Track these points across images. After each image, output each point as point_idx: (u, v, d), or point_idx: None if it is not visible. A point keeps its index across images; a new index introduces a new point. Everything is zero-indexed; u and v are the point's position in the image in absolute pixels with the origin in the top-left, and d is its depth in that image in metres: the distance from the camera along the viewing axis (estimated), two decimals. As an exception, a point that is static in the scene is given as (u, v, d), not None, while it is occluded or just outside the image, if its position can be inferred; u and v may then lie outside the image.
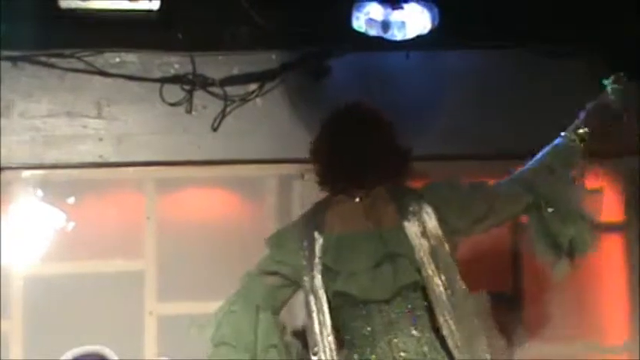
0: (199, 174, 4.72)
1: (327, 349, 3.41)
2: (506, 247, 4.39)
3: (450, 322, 3.30)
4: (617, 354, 4.70)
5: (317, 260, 3.42)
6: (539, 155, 3.56)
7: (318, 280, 3.40)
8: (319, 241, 3.43)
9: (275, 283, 3.50)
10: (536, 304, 4.63)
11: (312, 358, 3.45)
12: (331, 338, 3.40)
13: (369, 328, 3.34)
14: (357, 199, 3.45)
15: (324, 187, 3.53)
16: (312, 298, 3.40)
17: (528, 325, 4.60)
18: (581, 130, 3.51)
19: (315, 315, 3.42)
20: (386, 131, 3.54)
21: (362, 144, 3.48)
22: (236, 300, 3.53)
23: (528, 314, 4.61)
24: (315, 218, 3.59)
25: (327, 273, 3.39)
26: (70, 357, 4.40)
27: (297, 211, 4.39)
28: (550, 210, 3.48)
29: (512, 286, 4.52)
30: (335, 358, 3.39)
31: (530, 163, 3.57)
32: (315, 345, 3.45)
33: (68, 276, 4.59)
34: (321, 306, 3.39)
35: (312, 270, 3.40)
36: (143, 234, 4.67)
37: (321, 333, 3.45)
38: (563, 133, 3.52)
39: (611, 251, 4.74)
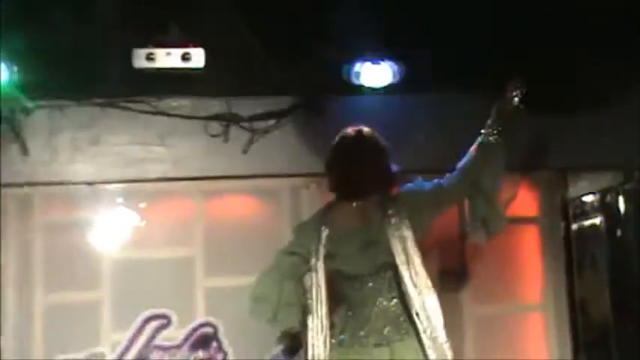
0: (233, 185, 5.70)
1: (320, 312, 4.12)
2: (455, 234, 5.27)
3: (412, 292, 4.03)
4: (533, 311, 5.79)
5: (321, 247, 4.15)
6: (468, 153, 4.24)
7: (320, 262, 4.13)
8: (324, 232, 4.16)
9: (295, 261, 4.22)
10: (476, 276, 5.61)
11: (308, 321, 4.15)
12: (325, 305, 4.12)
13: (360, 294, 4.08)
14: (354, 204, 4.20)
15: (333, 193, 4.31)
16: (313, 275, 4.14)
17: (471, 291, 5.65)
18: (493, 129, 4.20)
19: (314, 288, 4.15)
20: (380, 153, 4.25)
21: (361, 163, 4.22)
22: (268, 271, 4.23)
23: (472, 284, 5.62)
24: (324, 216, 4.28)
25: (329, 256, 4.12)
26: (142, 317, 5.45)
27: (304, 211, 5.44)
28: (477, 198, 4.24)
29: (459, 263, 5.51)
30: (325, 318, 4.11)
31: (463, 160, 4.24)
32: (310, 310, 4.15)
33: (142, 259, 5.58)
34: (318, 280, 4.14)
35: (317, 253, 4.14)
36: (193, 229, 5.64)
37: (316, 301, 4.15)
38: (482, 131, 4.21)
39: (529, 238, 5.87)
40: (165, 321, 5.64)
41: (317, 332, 4.17)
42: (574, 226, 6.11)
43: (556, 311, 5.83)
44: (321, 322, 4.15)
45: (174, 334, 5.62)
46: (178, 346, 5.62)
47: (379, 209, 4.20)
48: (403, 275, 4.03)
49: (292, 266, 4.25)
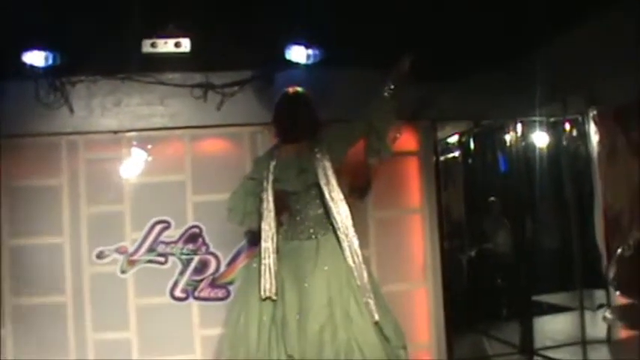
0: (210, 132, 6.63)
1: (269, 217, 4.82)
2: (362, 161, 5.19)
3: (330, 203, 4.72)
4: (415, 213, 6.78)
5: (270, 174, 4.84)
6: (372, 103, 4.78)
7: (270, 184, 4.83)
8: (272, 164, 4.86)
9: (254, 183, 4.96)
10: (376, 191, 6.34)
11: (262, 223, 4.84)
12: (272, 213, 4.82)
13: (296, 204, 4.85)
14: (291, 145, 4.89)
15: (277, 138, 4.97)
16: (264, 193, 4.85)
17: (372, 201, 6.54)
18: (389, 86, 4.81)
19: (264, 202, 4.84)
20: (308, 107, 4.92)
21: (295, 115, 4.89)
22: (237, 190, 5.04)
23: (373, 196, 6.43)
24: (272, 153, 4.92)
25: (275, 180, 4.81)
26: (151, 222, 6.40)
27: (260, 149, 6.28)
28: (372, 135, 4.83)
29: (364, 182, 5.81)
30: (272, 221, 4.79)
31: (368, 107, 4.79)
32: (263, 216, 4.85)
33: (150, 182, 6.57)
34: (268, 196, 4.82)
35: (267, 178, 4.83)
36: (184, 162, 6.58)
37: (267, 210, 4.84)
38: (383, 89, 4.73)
39: (411, 166, 6.88)
40: (167, 224, 6.55)
41: (267, 230, 4.83)
42: (441, 158, 7.33)
43: (430, 213, 6.85)
44: (269, 224, 4.82)
45: (173, 233, 6.55)
46: (175, 242, 6.56)
47: (308, 147, 4.84)
48: (324, 191, 4.76)
49: (252, 187, 4.99)
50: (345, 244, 4.69)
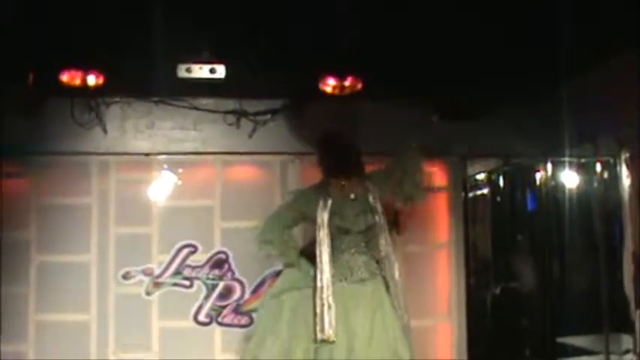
0: (241, 159, 6.69)
1: (325, 257, 4.70)
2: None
3: (383, 247, 4.72)
4: (442, 248, 6.76)
5: (327, 209, 4.75)
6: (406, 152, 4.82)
7: (326, 220, 4.74)
8: (329, 201, 4.77)
9: (294, 215, 4.87)
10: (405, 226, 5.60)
11: (318, 261, 4.69)
12: (328, 250, 4.70)
13: (342, 246, 4.77)
14: (343, 182, 4.82)
15: (326, 172, 4.86)
16: (320, 230, 4.74)
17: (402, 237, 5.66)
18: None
19: (321, 239, 4.72)
20: (353, 145, 4.91)
21: (348, 148, 4.89)
22: (272, 221, 4.87)
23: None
24: (324, 188, 4.84)
25: (333, 216, 4.73)
26: (178, 245, 6.48)
27: (290, 178, 6.52)
28: (409, 181, 4.80)
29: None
30: (328, 262, 4.67)
31: (403, 156, 4.81)
32: (320, 255, 4.71)
33: (179, 206, 6.64)
34: (324, 234, 4.73)
35: (322, 214, 4.74)
36: (214, 187, 6.65)
37: (324, 247, 4.71)
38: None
39: (441, 201, 6.88)
40: (194, 249, 6.58)
41: (325, 270, 4.72)
42: (470, 194, 7.20)
43: (457, 249, 6.81)
44: (327, 263, 4.72)
45: (199, 257, 6.58)
46: (202, 266, 6.57)
47: (361, 186, 4.83)
48: (379, 235, 4.76)
49: (290, 220, 4.90)
50: (392, 290, 4.77)
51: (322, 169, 4.89)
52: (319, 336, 4.62)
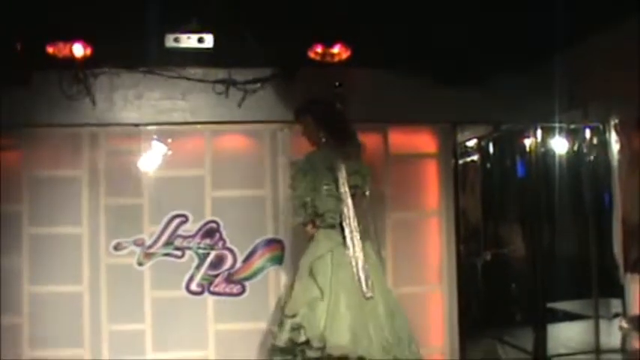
0: (231, 128, 6.65)
1: (353, 221, 5.13)
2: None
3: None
4: (432, 216, 6.86)
5: (343, 175, 5.17)
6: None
7: (345, 185, 5.16)
8: (342, 165, 5.20)
9: (314, 182, 5.21)
10: (395, 192, 6.73)
11: (345, 227, 5.16)
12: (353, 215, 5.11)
13: (346, 210, 5.17)
14: (340, 148, 5.27)
15: (325, 137, 5.30)
16: (345, 196, 5.13)
17: (392, 202, 6.73)
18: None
19: (345, 206, 5.13)
20: (340, 111, 5.45)
21: (344, 121, 5.34)
22: (296, 187, 5.27)
23: (392, 197, 6.73)
24: (330, 153, 5.23)
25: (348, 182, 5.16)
26: (169, 216, 6.46)
27: (279, 146, 6.59)
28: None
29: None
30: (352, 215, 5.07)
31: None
32: (347, 220, 5.14)
33: (169, 176, 6.61)
34: (348, 200, 5.16)
35: (340, 179, 5.15)
36: (204, 157, 6.59)
37: (350, 213, 5.13)
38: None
39: (431, 168, 6.91)
40: (185, 218, 6.58)
41: (353, 236, 5.15)
42: (460, 161, 7.19)
43: (447, 216, 6.87)
44: (354, 227, 5.15)
45: (190, 227, 6.57)
46: (193, 236, 6.57)
47: (355, 152, 5.36)
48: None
49: (312, 184, 5.24)
50: (375, 247, 5.28)
51: (323, 134, 5.24)
52: (366, 294, 5.00)
